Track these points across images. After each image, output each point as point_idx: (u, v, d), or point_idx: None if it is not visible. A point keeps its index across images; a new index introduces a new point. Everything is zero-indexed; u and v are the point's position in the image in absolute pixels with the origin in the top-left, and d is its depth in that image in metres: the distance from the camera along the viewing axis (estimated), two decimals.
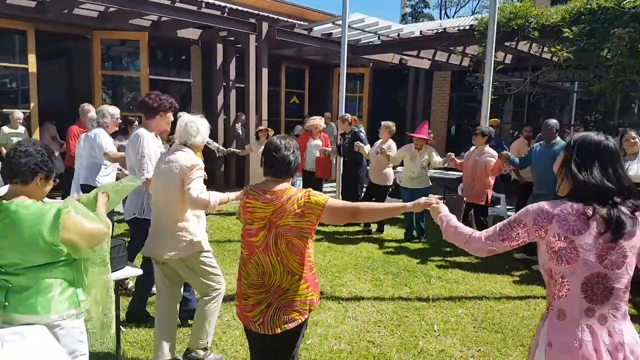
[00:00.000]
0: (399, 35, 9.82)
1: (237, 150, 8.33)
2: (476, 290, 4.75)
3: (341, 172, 7.67)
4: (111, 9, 7.74)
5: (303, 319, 2.24)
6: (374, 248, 6.16)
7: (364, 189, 7.21)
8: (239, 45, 9.51)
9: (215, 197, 2.90)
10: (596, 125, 13.48)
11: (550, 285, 1.74)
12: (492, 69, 6.00)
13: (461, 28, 8.74)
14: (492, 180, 5.91)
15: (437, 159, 6.25)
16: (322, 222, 2.28)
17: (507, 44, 7.93)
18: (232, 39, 9.47)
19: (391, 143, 6.73)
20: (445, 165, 6.31)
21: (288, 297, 2.20)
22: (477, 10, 32.74)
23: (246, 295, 2.27)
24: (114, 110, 4.82)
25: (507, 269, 5.39)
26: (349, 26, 8.84)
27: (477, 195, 5.84)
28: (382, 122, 6.86)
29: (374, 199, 6.74)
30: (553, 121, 5.51)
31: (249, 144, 8.06)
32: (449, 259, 5.77)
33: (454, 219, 2.00)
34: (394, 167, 6.98)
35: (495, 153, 5.72)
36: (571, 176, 1.70)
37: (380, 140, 6.80)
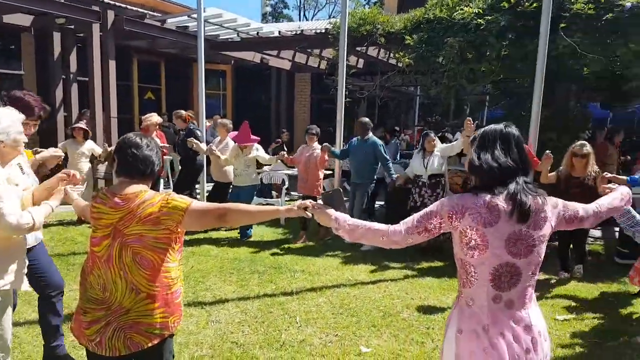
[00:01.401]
0: (258, 33, 9.86)
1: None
2: (335, 280, 5.00)
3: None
4: None
5: (152, 343, 1.97)
6: (240, 249, 6.08)
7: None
8: (81, 35, 8.61)
9: (39, 214, 2.31)
10: (436, 125, 15.23)
11: (460, 274, 1.79)
12: (344, 72, 6.35)
13: (318, 31, 9.11)
14: (322, 174, 6.48)
15: (265, 156, 6.50)
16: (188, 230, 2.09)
17: (358, 48, 8.47)
18: (72, 27, 8.53)
19: (229, 141, 6.73)
20: (277, 162, 6.71)
21: (130, 318, 1.93)
22: (334, 15, 34.46)
23: (84, 310, 2.01)
24: None
25: (362, 258, 5.77)
26: (206, 20, 8.61)
27: (310, 187, 6.40)
28: (219, 120, 6.93)
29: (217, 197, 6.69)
30: (366, 119, 6.37)
31: (62, 143, 6.99)
32: (312, 253, 5.97)
33: (351, 219, 1.87)
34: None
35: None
36: (474, 165, 1.74)
37: (218, 138, 6.79)
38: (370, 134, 6.30)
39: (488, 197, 1.68)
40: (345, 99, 6.61)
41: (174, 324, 2.05)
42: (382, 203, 8.43)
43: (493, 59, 6.12)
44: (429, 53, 6.74)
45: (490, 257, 1.67)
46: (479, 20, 6.19)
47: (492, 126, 1.81)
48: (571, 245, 5.37)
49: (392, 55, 8.79)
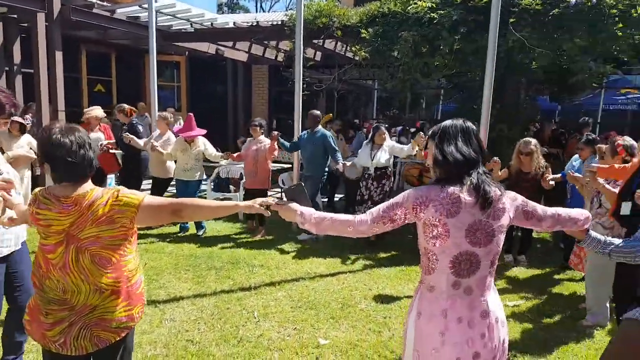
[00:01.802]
0: (212, 24, 9.65)
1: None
2: (294, 273, 4.99)
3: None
4: None
5: (119, 338, 1.95)
6: (196, 245, 5.95)
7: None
8: (25, 24, 8.15)
9: None
10: (393, 118, 15.47)
11: (423, 262, 1.86)
12: (301, 65, 6.31)
13: (274, 23, 8.99)
14: (270, 166, 6.48)
15: (211, 151, 6.38)
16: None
17: (315, 41, 8.42)
18: (15, 16, 8.06)
19: (170, 135, 6.57)
20: (222, 160, 6.59)
21: (95, 316, 1.89)
22: (291, 7, 34.22)
23: (45, 312, 1.91)
24: None
25: (321, 251, 5.79)
26: (158, 11, 8.34)
27: (260, 181, 6.35)
28: (158, 113, 6.76)
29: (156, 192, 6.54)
30: (316, 112, 6.40)
31: None
32: (271, 247, 5.93)
33: (316, 212, 1.87)
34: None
35: (269, 141, 6.26)
36: (438, 159, 1.80)
37: (157, 132, 6.64)
38: (320, 126, 6.37)
39: (451, 188, 1.75)
40: (303, 91, 6.58)
41: (139, 315, 2.03)
42: (342, 196, 8.49)
43: (446, 53, 6.23)
44: (384, 47, 6.79)
45: (451, 246, 1.74)
46: (432, 15, 6.28)
47: (451, 121, 1.87)
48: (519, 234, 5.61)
49: (349, 48, 8.80)
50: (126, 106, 6.82)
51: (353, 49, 7.67)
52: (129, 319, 1.97)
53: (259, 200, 2.00)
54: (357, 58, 7.56)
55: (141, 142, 6.44)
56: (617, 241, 2.08)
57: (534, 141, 5.24)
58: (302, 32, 6.15)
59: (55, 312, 1.89)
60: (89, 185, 1.93)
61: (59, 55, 7.95)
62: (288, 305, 4.16)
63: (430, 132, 1.95)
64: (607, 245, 2.04)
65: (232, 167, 7.85)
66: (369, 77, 12.72)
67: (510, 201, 1.82)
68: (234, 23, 9.63)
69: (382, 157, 5.86)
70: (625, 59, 6.32)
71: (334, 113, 13.62)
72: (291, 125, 6.75)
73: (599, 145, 4.39)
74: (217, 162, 7.14)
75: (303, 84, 6.51)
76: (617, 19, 5.68)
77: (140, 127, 6.68)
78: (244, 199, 6.00)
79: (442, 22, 6.15)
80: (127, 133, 6.40)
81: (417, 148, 5.61)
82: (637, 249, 2.06)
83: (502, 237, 1.81)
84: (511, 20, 5.91)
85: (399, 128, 11.61)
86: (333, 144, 6.27)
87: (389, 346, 3.48)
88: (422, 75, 6.95)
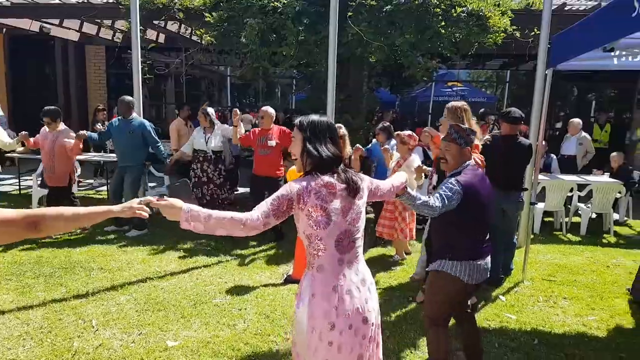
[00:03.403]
0: None
1: None
2: (140, 274, 4.64)
3: None
4: None
5: None
6: (21, 251, 5.19)
7: None
8: None
9: None
10: (250, 106, 15.36)
11: (310, 247, 2.00)
12: (139, 46, 5.83)
13: (108, 0, 8.14)
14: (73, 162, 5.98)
15: (4, 139, 5.80)
16: None
17: (155, 22, 7.87)
18: None
19: None
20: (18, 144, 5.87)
21: None
22: None
23: None
24: None
25: (172, 247, 5.49)
26: None
27: (59, 178, 5.72)
28: None
29: None
30: (129, 98, 5.98)
31: None
32: (113, 248, 5.44)
33: (203, 209, 1.80)
34: None
35: (74, 134, 5.71)
36: (313, 154, 1.96)
37: None
38: (134, 113, 5.97)
39: (327, 178, 1.95)
40: (145, 75, 6.10)
41: None
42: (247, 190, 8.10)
43: (292, 43, 6.32)
44: (231, 33, 6.63)
45: (334, 228, 1.95)
46: (276, 4, 6.30)
47: (318, 118, 2.03)
48: None
49: (194, 32, 8.40)
50: None
51: (198, 32, 7.34)
52: None
53: (136, 201, 1.77)
54: (203, 43, 7.26)
55: None
56: (425, 198, 2.52)
57: (343, 127, 5.71)
58: (138, 11, 5.68)
59: None
60: None
61: None
62: (132, 310, 3.85)
63: (297, 121, 2.06)
64: (416, 199, 2.46)
65: None
66: (220, 63, 12.37)
67: (367, 185, 2.12)
68: None
69: (215, 140, 5.94)
70: (448, 55, 7.11)
71: (185, 99, 13.00)
72: None
73: (397, 132, 5.29)
74: (13, 151, 6.27)
75: (145, 67, 6.03)
76: (440, 17, 6.36)
77: None
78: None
79: (287, 12, 6.22)
80: None
81: (242, 128, 5.79)
82: (424, 202, 2.50)
83: (364, 214, 2.08)
84: (349, 14, 6.23)
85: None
86: (153, 135, 5.93)
87: (243, 338, 3.44)
88: (270, 64, 6.96)
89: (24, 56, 11.47)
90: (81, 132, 5.74)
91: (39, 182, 6.78)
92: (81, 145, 5.79)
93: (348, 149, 5.49)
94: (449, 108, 3.97)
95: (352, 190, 1.99)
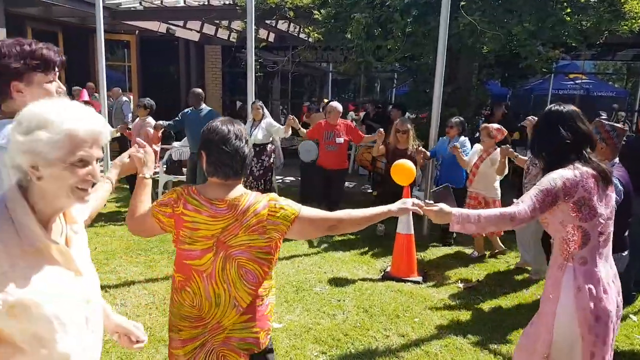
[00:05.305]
0: (162, 2, 9.26)
1: None
2: None
3: None
4: None
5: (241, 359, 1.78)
6: None
7: None
8: None
9: None
10: (348, 101, 15.50)
11: (573, 239, 1.96)
12: (253, 45, 6.16)
13: (225, 2, 8.72)
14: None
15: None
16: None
17: (267, 21, 8.25)
18: None
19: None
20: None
21: (223, 335, 1.73)
22: None
23: (178, 328, 1.76)
24: None
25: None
26: None
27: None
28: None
29: None
30: (198, 90, 6.46)
31: None
32: None
33: (470, 211, 1.94)
34: None
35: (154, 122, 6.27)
36: (567, 142, 1.97)
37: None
38: (204, 104, 6.41)
39: (584, 169, 1.94)
40: (256, 73, 6.44)
41: (264, 340, 1.80)
42: (293, 179, 8.43)
43: (398, 36, 6.24)
44: (337, 29, 6.74)
45: (600, 219, 1.95)
46: None
47: (556, 106, 2.08)
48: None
49: (302, 30, 8.67)
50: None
51: (306, 30, 7.56)
52: (254, 342, 1.76)
53: (410, 201, 1.90)
54: (310, 40, 7.47)
55: None
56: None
57: (409, 122, 5.62)
58: (253, 11, 5.99)
59: (188, 328, 1.73)
60: (241, 189, 1.76)
61: (1, 32, 7.48)
62: None
63: (535, 120, 2.15)
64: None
65: (184, 149, 7.62)
66: (323, 59, 12.63)
67: None
68: (185, 1, 9.29)
69: (260, 133, 6.02)
70: (574, 45, 6.52)
71: (289, 95, 13.49)
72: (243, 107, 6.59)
73: (485, 124, 5.07)
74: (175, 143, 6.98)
75: (256, 65, 6.37)
76: (565, 4, 5.85)
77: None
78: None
79: (394, 5, 6.15)
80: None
81: (289, 130, 5.84)
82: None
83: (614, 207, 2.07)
84: (462, 3, 5.98)
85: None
86: None
87: (342, 329, 3.51)
88: (375, 58, 6.97)
89: (152, 55, 12.71)
90: (159, 122, 6.29)
91: (164, 169, 7.50)
92: (159, 135, 6.34)
93: (413, 144, 5.39)
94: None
95: (606, 180, 1.98)
